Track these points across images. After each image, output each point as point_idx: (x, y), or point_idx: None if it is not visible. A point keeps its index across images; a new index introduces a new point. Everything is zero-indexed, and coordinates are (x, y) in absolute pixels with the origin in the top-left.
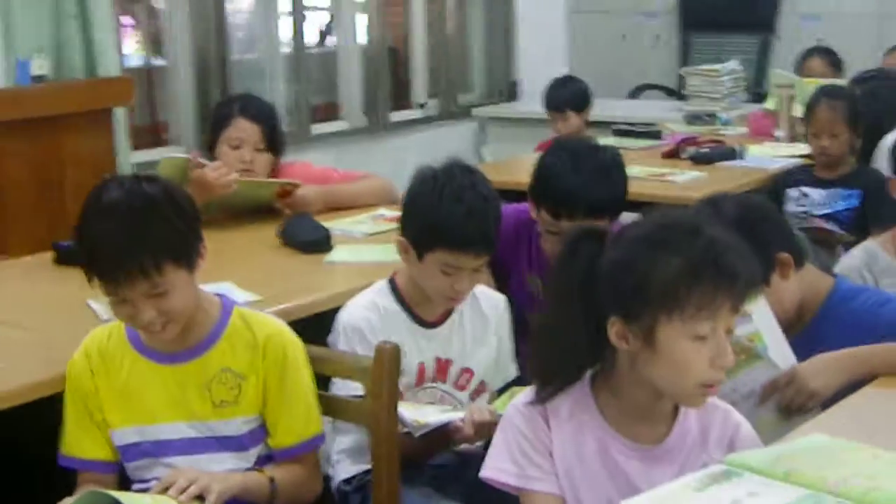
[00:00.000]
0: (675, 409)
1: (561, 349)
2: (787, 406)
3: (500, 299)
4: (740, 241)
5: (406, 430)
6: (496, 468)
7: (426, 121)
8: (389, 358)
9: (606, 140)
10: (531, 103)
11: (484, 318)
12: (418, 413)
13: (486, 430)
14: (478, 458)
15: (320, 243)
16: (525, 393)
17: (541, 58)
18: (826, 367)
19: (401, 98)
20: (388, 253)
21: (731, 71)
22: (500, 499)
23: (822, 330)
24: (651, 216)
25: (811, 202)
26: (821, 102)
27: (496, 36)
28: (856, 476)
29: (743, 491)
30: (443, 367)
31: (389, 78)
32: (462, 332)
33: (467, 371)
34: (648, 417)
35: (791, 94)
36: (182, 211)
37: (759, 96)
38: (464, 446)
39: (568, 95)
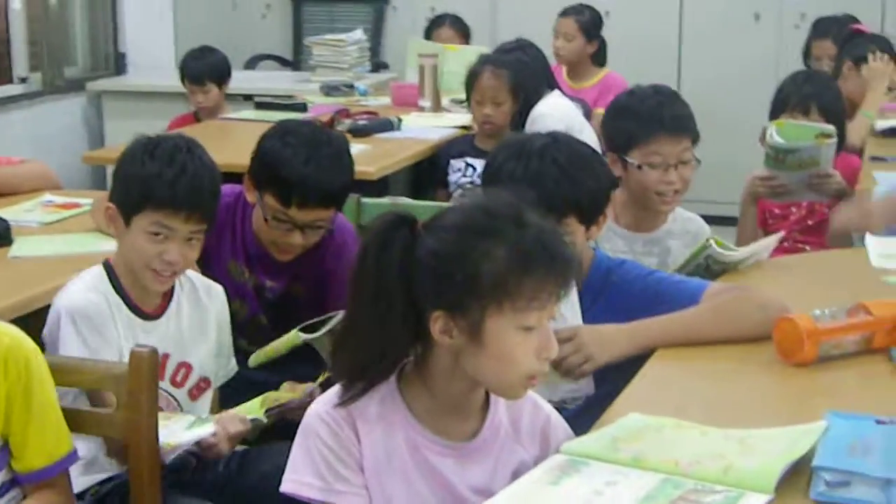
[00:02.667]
0: (486, 402)
1: (372, 345)
2: (560, 362)
3: (218, 290)
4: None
5: None
6: (299, 482)
7: (31, 96)
8: (148, 364)
9: (247, 113)
10: (141, 76)
11: (203, 309)
12: (164, 432)
13: (238, 441)
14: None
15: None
16: (325, 397)
17: (146, 29)
18: (608, 337)
19: None
20: (82, 243)
21: (357, 40)
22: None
23: (587, 302)
24: (468, 202)
25: (476, 173)
26: (485, 70)
27: (98, 6)
28: (704, 456)
29: (600, 481)
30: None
31: None
32: (179, 323)
33: (185, 365)
34: (460, 412)
35: (433, 63)
36: None
37: (378, 66)
38: None
39: (208, 67)
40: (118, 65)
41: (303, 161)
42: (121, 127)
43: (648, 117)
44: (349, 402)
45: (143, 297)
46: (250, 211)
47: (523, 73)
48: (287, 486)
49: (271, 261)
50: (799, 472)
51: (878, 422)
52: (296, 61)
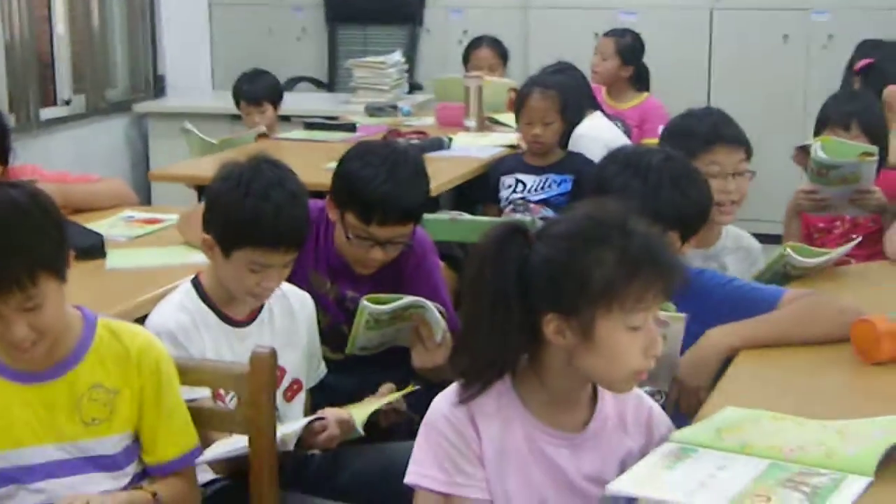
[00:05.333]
0: (594, 395)
1: (491, 348)
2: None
3: (307, 297)
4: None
5: None
6: (422, 475)
7: (77, 118)
8: (267, 364)
9: (299, 133)
10: (179, 98)
11: (293, 316)
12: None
13: (346, 428)
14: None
15: (95, 249)
16: (445, 395)
17: (184, 52)
18: (697, 362)
19: (43, 95)
20: (173, 255)
21: (396, 63)
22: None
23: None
24: (576, 211)
25: (527, 189)
26: (533, 92)
27: (139, 30)
28: (806, 443)
29: (712, 466)
30: None
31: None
32: (272, 329)
33: (279, 369)
34: (571, 405)
35: (478, 84)
36: (50, 216)
37: (413, 87)
38: None
39: (264, 88)
40: (157, 87)
41: (382, 180)
42: (164, 146)
43: (707, 130)
44: (469, 400)
45: (233, 307)
46: (332, 226)
47: (569, 93)
48: (411, 477)
49: (352, 272)
50: (893, 458)
51: None
52: (331, 83)
